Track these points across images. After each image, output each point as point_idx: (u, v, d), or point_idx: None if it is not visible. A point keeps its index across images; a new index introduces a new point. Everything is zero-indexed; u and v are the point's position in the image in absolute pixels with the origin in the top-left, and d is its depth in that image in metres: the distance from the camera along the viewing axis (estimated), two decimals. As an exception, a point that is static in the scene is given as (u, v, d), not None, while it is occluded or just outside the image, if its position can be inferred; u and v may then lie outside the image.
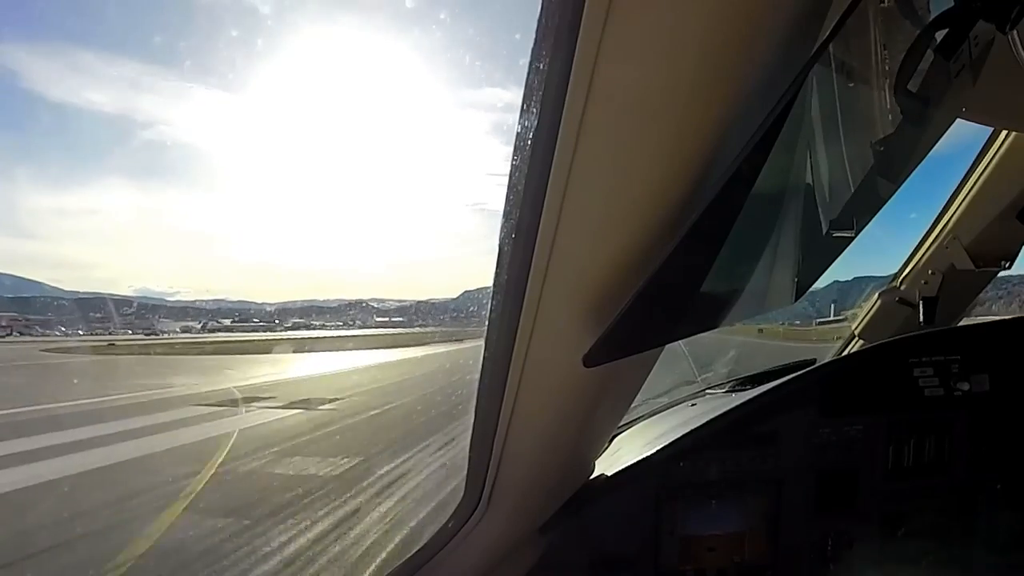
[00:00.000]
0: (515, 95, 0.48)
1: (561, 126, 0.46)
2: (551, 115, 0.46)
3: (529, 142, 0.49)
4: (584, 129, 0.46)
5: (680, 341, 1.56)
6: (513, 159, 0.52)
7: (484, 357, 0.71)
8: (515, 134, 0.50)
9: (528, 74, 0.46)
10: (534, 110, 0.47)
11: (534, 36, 0.43)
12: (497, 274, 0.62)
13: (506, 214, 0.56)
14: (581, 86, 0.43)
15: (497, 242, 0.61)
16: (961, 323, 1.63)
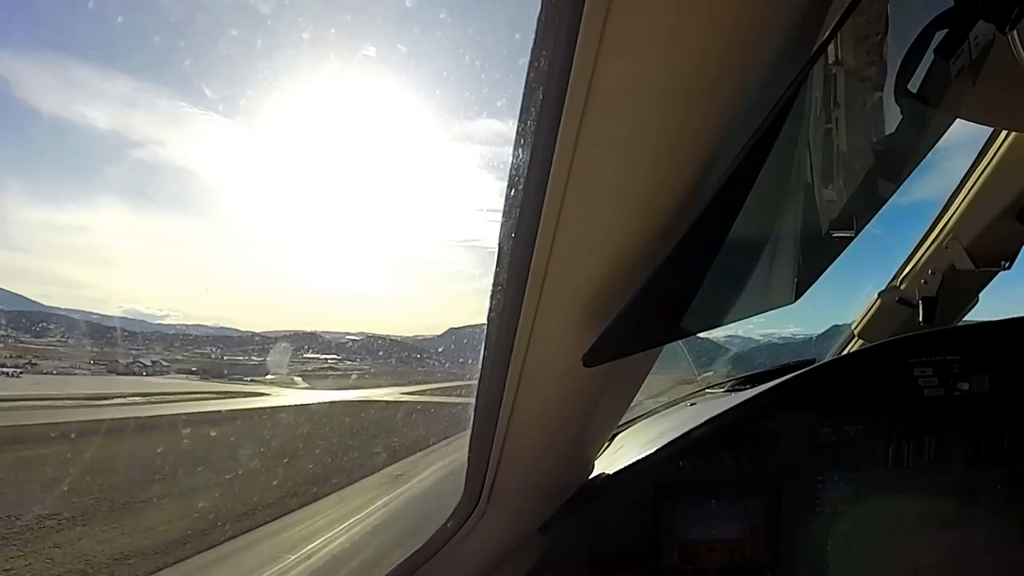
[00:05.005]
0: (514, 98, 0.48)
1: (561, 126, 0.46)
2: (551, 115, 0.46)
3: (529, 142, 0.49)
4: (584, 129, 0.46)
5: (679, 341, 1.56)
6: (513, 158, 0.52)
7: (484, 356, 0.71)
8: (515, 133, 0.50)
9: (528, 73, 0.46)
10: (534, 109, 0.47)
11: (534, 35, 0.43)
12: (497, 274, 0.62)
13: (506, 214, 0.56)
14: (581, 85, 0.43)
15: (488, 276, 0.61)
16: (961, 323, 1.63)
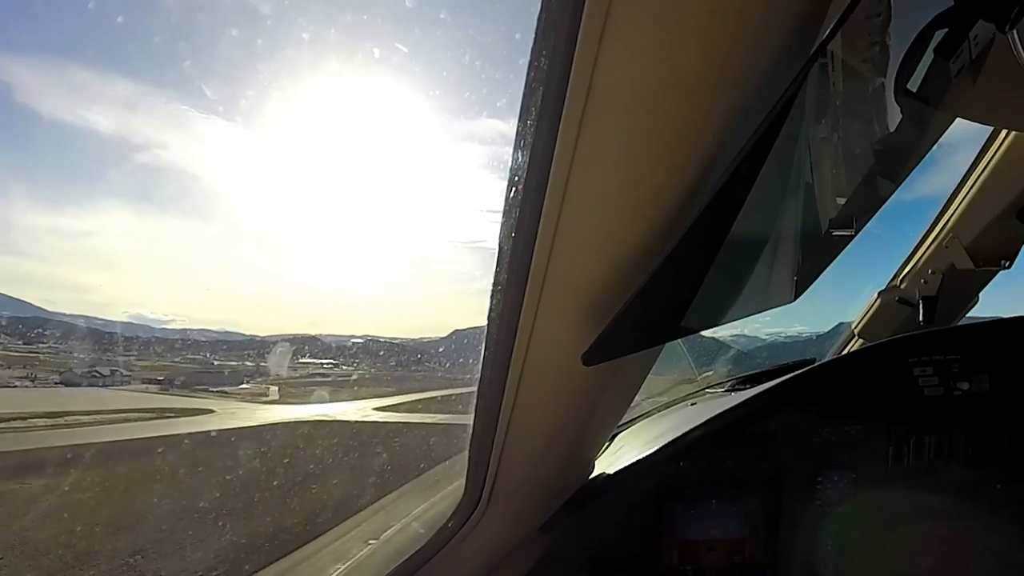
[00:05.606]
0: (514, 98, 0.48)
1: (561, 126, 0.46)
2: (551, 115, 0.46)
3: (529, 142, 0.49)
4: (584, 129, 0.46)
5: (679, 340, 1.56)
6: (513, 159, 0.52)
7: (484, 356, 0.71)
8: (515, 134, 0.50)
9: (528, 73, 0.46)
10: (534, 109, 0.47)
11: (534, 35, 0.43)
12: (497, 273, 0.62)
13: (506, 214, 0.56)
14: (581, 85, 0.43)
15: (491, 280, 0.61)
16: (961, 322, 1.63)
